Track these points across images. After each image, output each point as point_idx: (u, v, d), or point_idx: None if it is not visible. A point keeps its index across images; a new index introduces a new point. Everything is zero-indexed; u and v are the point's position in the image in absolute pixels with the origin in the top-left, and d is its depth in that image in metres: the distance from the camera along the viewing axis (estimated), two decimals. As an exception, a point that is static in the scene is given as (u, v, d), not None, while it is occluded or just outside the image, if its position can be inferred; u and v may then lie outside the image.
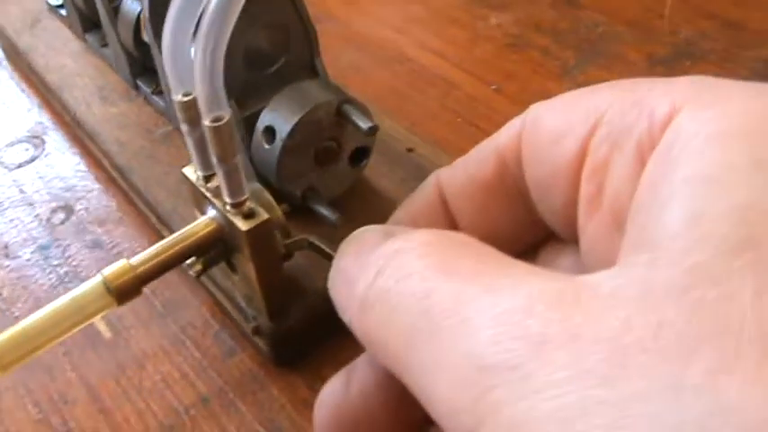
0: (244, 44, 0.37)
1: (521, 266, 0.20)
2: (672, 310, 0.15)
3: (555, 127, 0.24)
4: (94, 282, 0.32)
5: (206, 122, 0.30)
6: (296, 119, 0.36)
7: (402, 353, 0.19)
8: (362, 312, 0.21)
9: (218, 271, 0.39)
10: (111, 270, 0.32)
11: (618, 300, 0.16)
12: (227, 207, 0.33)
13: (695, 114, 0.19)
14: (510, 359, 0.16)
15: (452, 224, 0.28)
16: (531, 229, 0.27)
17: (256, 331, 0.37)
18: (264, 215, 0.33)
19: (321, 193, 0.39)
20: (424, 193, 0.29)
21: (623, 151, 0.22)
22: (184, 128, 0.32)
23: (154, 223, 0.45)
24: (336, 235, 0.36)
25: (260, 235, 0.33)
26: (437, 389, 0.18)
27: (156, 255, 0.34)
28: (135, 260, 0.33)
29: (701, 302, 0.15)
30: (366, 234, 0.24)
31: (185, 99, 0.31)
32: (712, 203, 0.17)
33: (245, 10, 0.36)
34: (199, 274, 0.35)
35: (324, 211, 0.38)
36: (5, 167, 0.53)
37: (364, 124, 0.36)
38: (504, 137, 0.27)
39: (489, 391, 0.17)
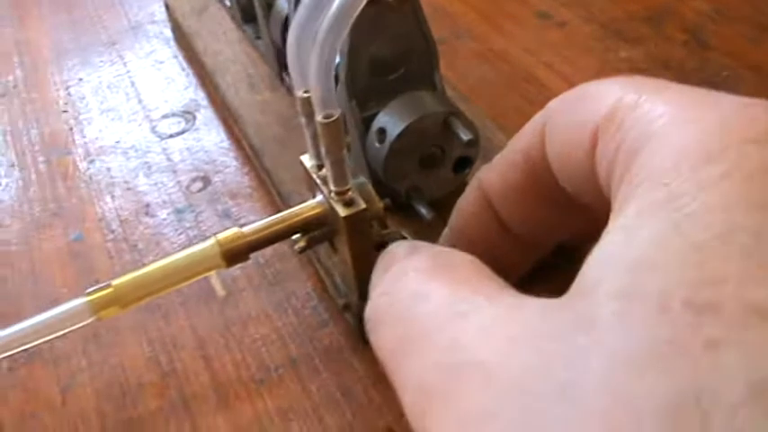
0: (370, 53, 0.41)
1: (492, 287, 0.23)
2: (534, 356, 0.19)
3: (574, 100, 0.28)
4: (209, 243, 0.37)
5: (318, 118, 0.34)
6: (404, 124, 0.40)
7: (387, 363, 0.25)
8: (368, 322, 0.26)
9: (323, 250, 0.43)
10: (224, 235, 0.37)
11: (523, 333, 0.20)
12: (332, 194, 0.37)
13: (665, 137, 0.21)
14: (440, 390, 0.21)
15: (497, 218, 0.32)
16: (564, 224, 0.31)
17: (346, 307, 0.41)
18: (362, 205, 0.37)
19: (423, 193, 0.43)
20: (471, 193, 0.33)
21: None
22: (303, 121, 0.37)
23: (277, 201, 0.50)
24: (432, 233, 0.40)
25: (356, 222, 0.37)
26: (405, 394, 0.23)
27: (267, 227, 0.38)
28: (247, 229, 0.38)
29: (555, 353, 0.18)
30: (394, 250, 0.29)
31: (305, 96, 0.35)
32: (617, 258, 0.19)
33: (373, 22, 0.41)
34: (302, 250, 0.39)
35: (422, 209, 0.42)
36: (158, 136, 0.59)
37: (465, 136, 0.40)
38: (528, 134, 0.30)
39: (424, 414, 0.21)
